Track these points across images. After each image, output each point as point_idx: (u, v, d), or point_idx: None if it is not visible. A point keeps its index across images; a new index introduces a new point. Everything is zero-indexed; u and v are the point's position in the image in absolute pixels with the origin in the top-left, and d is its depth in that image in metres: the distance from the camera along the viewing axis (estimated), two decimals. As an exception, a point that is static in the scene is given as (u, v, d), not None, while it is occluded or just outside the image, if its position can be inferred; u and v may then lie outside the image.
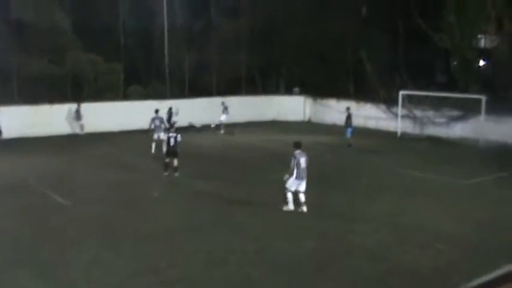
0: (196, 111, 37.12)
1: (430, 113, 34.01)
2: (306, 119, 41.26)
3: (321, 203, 18.13)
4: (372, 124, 36.36)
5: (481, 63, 35.99)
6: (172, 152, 21.62)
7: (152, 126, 26.92)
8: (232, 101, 36.29)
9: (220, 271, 12.24)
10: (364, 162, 25.83)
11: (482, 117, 30.13)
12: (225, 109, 34.85)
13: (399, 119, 34.35)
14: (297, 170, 16.48)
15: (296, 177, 16.54)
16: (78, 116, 32.79)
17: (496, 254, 13.03)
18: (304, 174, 16.63)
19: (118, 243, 14.01)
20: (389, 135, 33.43)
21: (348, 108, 30.59)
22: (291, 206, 16.83)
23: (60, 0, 37.40)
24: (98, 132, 32.41)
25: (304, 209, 16.74)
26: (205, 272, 12.25)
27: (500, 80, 32.43)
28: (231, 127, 34.60)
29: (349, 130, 29.63)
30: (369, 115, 36.83)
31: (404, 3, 35.57)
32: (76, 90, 35.77)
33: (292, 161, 16.58)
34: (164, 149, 22.49)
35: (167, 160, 21.86)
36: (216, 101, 36.51)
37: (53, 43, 35.12)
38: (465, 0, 32.40)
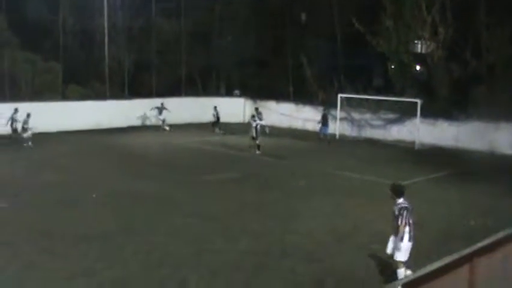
0: (136, 112, 36.99)
1: (368, 116, 34.74)
2: (246, 120, 41.39)
3: (258, 204, 18.35)
4: (310, 126, 36.54)
5: (417, 67, 36.90)
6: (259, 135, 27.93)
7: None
8: (172, 102, 36.17)
9: (157, 273, 12.23)
10: (301, 164, 26.13)
11: (418, 120, 30.94)
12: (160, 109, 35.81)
13: (338, 121, 34.88)
14: (409, 227, 11.47)
15: (410, 239, 11.47)
16: None
17: (427, 252, 13.34)
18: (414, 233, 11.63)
19: (54, 246, 13.79)
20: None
21: (324, 109, 32.90)
22: None
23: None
24: (36, 133, 31.68)
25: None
26: (142, 274, 12.22)
27: (435, 84, 33.32)
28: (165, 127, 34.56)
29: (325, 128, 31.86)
30: (307, 117, 37.25)
31: (343, 9, 36.19)
32: (14, 89, 35.03)
33: (403, 216, 11.51)
34: (253, 134, 27.96)
35: (258, 142, 27.87)
36: (156, 102, 36.52)
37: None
38: (402, 6, 33.20)
